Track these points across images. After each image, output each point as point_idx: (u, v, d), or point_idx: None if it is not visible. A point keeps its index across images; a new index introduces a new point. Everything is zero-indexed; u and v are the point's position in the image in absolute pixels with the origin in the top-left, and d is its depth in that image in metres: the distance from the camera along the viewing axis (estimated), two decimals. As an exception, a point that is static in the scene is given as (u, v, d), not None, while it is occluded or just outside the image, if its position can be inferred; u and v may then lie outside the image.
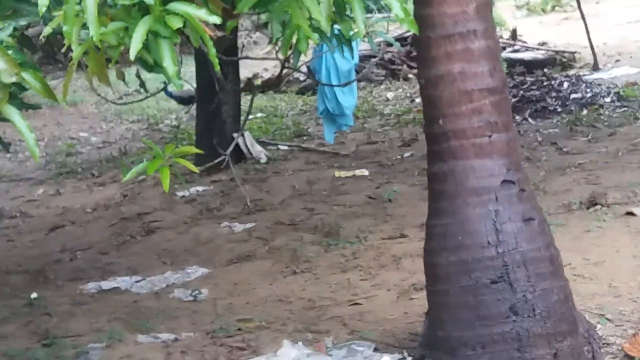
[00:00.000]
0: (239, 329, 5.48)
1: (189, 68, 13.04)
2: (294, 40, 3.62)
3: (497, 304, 4.17)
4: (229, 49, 9.44)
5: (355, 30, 3.59)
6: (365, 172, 9.26)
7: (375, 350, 4.84)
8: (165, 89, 12.31)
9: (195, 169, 3.60)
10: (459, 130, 4.24)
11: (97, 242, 8.05)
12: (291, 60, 5.26)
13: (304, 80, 14.83)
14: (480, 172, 4.23)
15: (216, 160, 5.56)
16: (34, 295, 6.55)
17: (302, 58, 4.81)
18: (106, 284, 6.76)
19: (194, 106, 11.08)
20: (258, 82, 15.84)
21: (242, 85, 12.15)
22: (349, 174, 9.25)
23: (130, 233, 8.11)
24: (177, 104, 13.64)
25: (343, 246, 6.94)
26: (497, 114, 4.26)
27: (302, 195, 8.66)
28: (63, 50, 3.11)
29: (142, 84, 4.84)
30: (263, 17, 6.20)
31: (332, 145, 10.48)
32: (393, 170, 9.31)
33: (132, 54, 2.89)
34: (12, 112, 2.90)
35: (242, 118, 10.62)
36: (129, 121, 14.33)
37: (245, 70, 15.16)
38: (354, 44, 4.40)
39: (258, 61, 16.79)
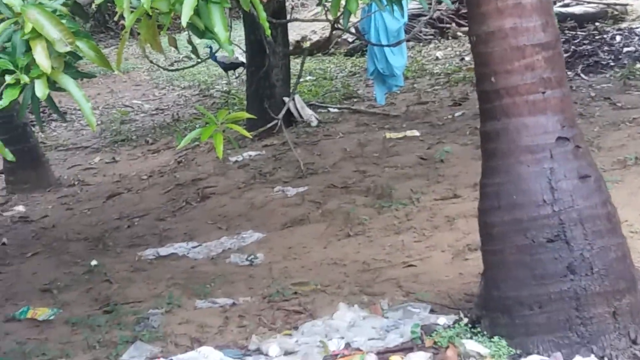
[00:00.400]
0: (295, 293, 5.50)
1: (238, 32, 13.06)
2: (343, 0, 3.57)
3: (554, 262, 4.11)
4: (278, 11, 9.40)
5: (405, -11, 3.52)
6: (416, 133, 9.18)
7: (431, 311, 4.82)
8: (211, 54, 12.41)
9: (248, 134, 3.58)
10: (512, 87, 4.15)
11: (153, 208, 8.13)
12: (341, 21, 5.20)
13: (353, 42, 14.73)
14: (534, 129, 4.15)
15: (268, 125, 5.54)
16: (93, 262, 6.65)
17: (351, 19, 4.74)
18: (164, 250, 6.83)
19: (244, 71, 11.07)
20: (307, 44, 15.77)
21: (290, 48, 12.12)
22: (400, 135, 9.18)
23: (186, 199, 8.17)
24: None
25: (396, 208, 6.91)
26: (550, 70, 4.16)
27: (354, 157, 8.63)
28: (115, 18, 3.10)
29: (194, 50, 4.81)
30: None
31: (382, 106, 10.39)
32: (444, 130, 9.21)
33: (184, 20, 2.86)
34: (68, 82, 2.90)
35: (292, 81, 10.61)
36: (181, 87, 14.40)
37: (294, 33, 15.08)
38: (403, 2, 4.31)
39: (306, 24, 16.68)
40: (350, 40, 14.60)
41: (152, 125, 11.82)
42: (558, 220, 4.10)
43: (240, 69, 13.34)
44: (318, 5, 7.96)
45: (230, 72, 13.80)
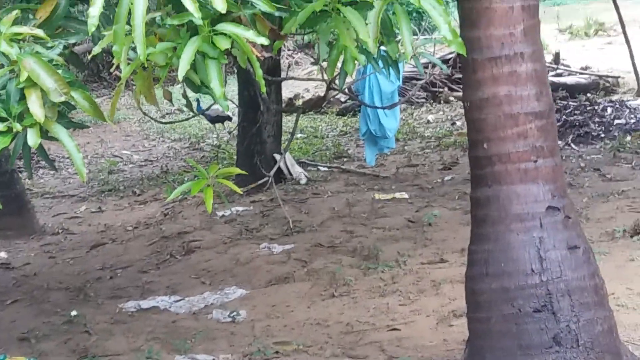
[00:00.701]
0: (277, 352, 5.45)
1: (230, 87, 13.15)
2: (339, 61, 3.61)
3: (540, 333, 4.09)
4: (272, 69, 9.48)
5: (402, 51, 3.55)
6: (405, 195, 9.20)
7: (415, 377, 4.78)
8: (198, 107, 12.54)
9: (239, 190, 3.58)
10: (504, 155, 4.19)
11: (137, 260, 8.08)
12: (336, 81, 5.25)
13: (345, 102, 14.84)
14: (524, 197, 4.17)
15: (259, 182, 5.54)
16: (73, 312, 6.58)
17: (347, 79, 4.78)
18: (145, 303, 6.77)
19: (236, 126, 11.13)
20: (299, 102, 15.89)
21: (283, 105, 12.20)
22: (389, 196, 9.20)
23: (170, 252, 8.13)
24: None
25: (382, 270, 6.89)
26: (543, 139, 4.20)
27: (342, 217, 8.63)
28: (112, 69, 3.12)
29: (188, 104, 4.85)
30: (307, 37, 6.18)
31: (372, 167, 10.44)
32: (433, 193, 9.24)
33: (180, 75, 2.89)
34: (61, 131, 2.92)
35: (283, 138, 10.66)
36: (171, 140, 14.43)
37: (287, 91, 15.21)
38: (400, 65, 4.36)
39: (299, 81, 16.83)
40: (342, 99, 14.71)
41: (140, 177, 11.80)
42: (545, 291, 4.11)
43: (227, 123, 13.44)
44: (314, 64, 8.04)
45: (220, 126, 13.86)
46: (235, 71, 11.99)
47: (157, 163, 12.81)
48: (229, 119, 13.43)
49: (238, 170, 3.60)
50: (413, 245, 7.46)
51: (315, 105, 13.20)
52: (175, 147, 13.88)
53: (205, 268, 7.59)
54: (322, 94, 16.19)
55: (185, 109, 16.95)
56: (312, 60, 19.87)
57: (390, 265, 6.95)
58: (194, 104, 12.30)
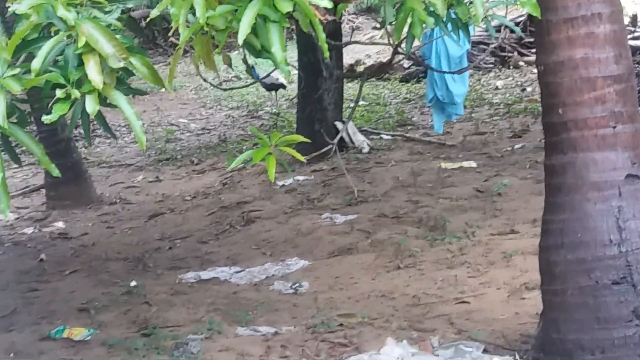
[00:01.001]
0: (341, 325, 5.45)
1: (289, 54, 13.13)
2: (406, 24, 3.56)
3: (618, 306, 4.02)
4: (333, 33, 9.42)
5: (473, 13, 3.48)
6: (473, 164, 9.12)
7: (485, 351, 4.74)
8: (252, 72, 12.55)
9: (303, 159, 3.57)
10: (580, 120, 4.10)
11: (196, 230, 8.16)
12: (402, 46, 5.18)
13: (409, 67, 14.72)
14: (602, 165, 4.08)
15: (323, 150, 5.52)
16: (133, 283, 6.68)
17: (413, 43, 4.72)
18: (205, 274, 6.84)
19: (294, 93, 11.17)
20: (360, 68, 15.82)
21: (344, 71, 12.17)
22: (456, 165, 9.13)
23: (230, 222, 8.19)
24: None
25: (449, 241, 6.84)
26: (622, 104, 4.10)
27: (406, 187, 8.60)
28: (170, 33, 3.12)
29: (249, 70, 4.84)
30: (369, 0, 6.12)
31: (438, 135, 10.36)
32: (502, 162, 9.14)
33: (240, 39, 2.87)
34: (120, 98, 2.93)
35: (344, 106, 10.63)
36: (229, 108, 14.51)
37: (347, 57, 15.13)
38: (470, 28, 4.29)
39: (360, 47, 16.75)
40: (406, 65, 14.61)
41: (198, 145, 11.91)
42: (625, 262, 4.03)
43: (287, 89, 13.50)
44: (376, 29, 7.98)
45: (279, 93, 13.91)
46: (295, 37, 11.96)
47: (214, 132, 12.91)
48: (283, 87, 13.47)
49: (301, 138, 3.57)
50: (482, 216, 7.39)
51: (379, 71, 13.14)
52: (233, 115, 13.96)
53: (265, 239, 7.63)
54: (384, 60, 16.13)
55: (243, 75, 17.11)
56: (374, 24, 19.75)
57: (458, 236, 6.90)
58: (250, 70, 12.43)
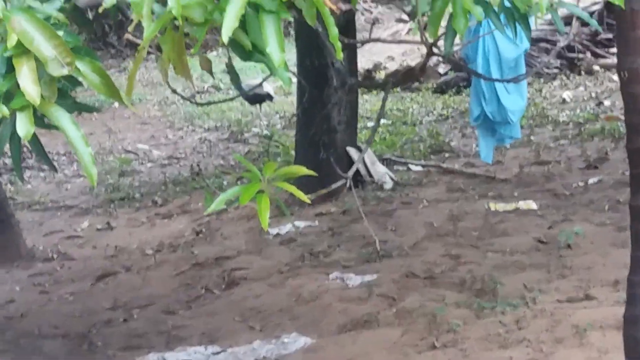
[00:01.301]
0: None
1: (287, 55, 13.20)
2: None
3: None
4: (345, 28, 9.46)
5: (535, 1, 3.49)
6: (533, 205, 9.11)
7: None
8: (233, 80, 12.68)
9: (307, 199, 3.56)
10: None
11: (160, 296, 8.13)
12: (439, 45, 5.18)
13: (445, 73, 14.80)
14: None
15: (333, 186, 5.51)
16: (75, 368, 6.65)
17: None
18: (172, 356, 6.80)
19: (293, 107, 11.21)
20: (381, 74, 15.89)
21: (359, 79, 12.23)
22: (510, 207, 9.12)
23: (206, 285, 8.17)
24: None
25: (502, 310, 6.81)
26: None
27: (443, 235, 8.58)
28: (130, 28, 3.12)
29: (234, 77, 4.84)
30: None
31: (486, 165, 10.35)
32: (572, 202, 9.14)
33: (225, 35, 2.86)
34: (62, 117, 2.92)
35: (359, 125, 10.65)
36: (204, 129, 14.54)
37: (363, 59, 15.22)
38: (530, 21, 4.29)
39: (380, 47, 16.85)
40: (441, 71, 14.67)
41: (163, 180, 11.90)
42: None
43: (283, 104, 13.62)
44: (401, 21, 7.99)
45: (271, 109, 13.99)
46: (292, 33, 12.02)
47: (185, 161, 12.91)
48: (270, 98, 13.58)
49: (304, 170, 3.57)
50: (546, 276, 7.37)
51: (407, 78, 13.16)
52: (210, 139, 13.98)
53: (254, 307, 7.60)
54: (413, 63, 16.20)
55: (223, 85, 17.19)
56: (398, 15, 19.85)
57: (513, 303, 6.87)
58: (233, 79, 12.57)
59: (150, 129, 14.93)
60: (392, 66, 16.85)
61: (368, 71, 15.78)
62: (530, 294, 7.01)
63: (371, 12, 21.10)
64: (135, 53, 3.18)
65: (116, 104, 16.37)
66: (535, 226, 8.54)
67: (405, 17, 21.96)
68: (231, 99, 11.26)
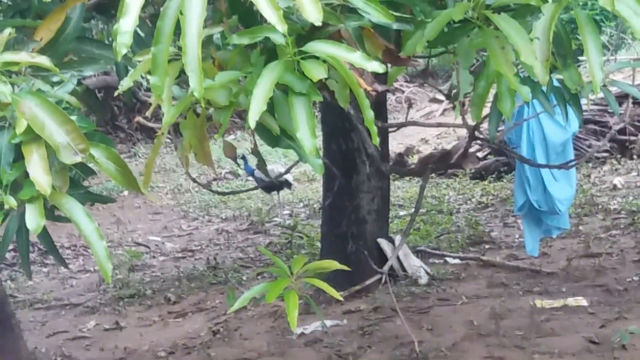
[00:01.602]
0: None
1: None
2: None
3: None
4: (376, 110, 9.51)
5: (588, 79, 3.50)
6: (583, 302, 9.04)
7: None
8: (246, 166, 12.87)
9: (339, 296, 3.56)
10: None
11: (174, 404, 8.10)
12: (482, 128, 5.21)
13: (484, 158, 14.80)
14: None
15: (368, 282, 5.52)
16: None
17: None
18: None
19: (318, 195, 11.21)
20: (413, 159, 15.92)
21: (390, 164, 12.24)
22: (557, 303, 9.05)
23: (225, 391, 8.12)
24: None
25: (552, 419, 6.75)
26: None
27: (485, 336, 8.51)
28: (148, 112, 3.15)
29: (261, 163, 4.85)
30: (434, 61, 6.16)
31: (531, 258, 10.30)
32: (626, 298, 9.06)
33: (252, 119, 2.86)
34: (75, 208, 2.93)
35: (392, 214, 10.63)
36: (221, 218, 14.56)
37: (394, 143, 15.26)
38: (582, 102, 4.30)
39: (412, 129, 16.91)
40: (480, 155, 14.70)
41: (177, 275, 11.89)
42: None
43: (306, 192, 13.69)
44: (434, 102, 8.01)
45: (300, 199, 14.02)
46: (318, 115, 12.10)
47: (200, 254, 12.91)
48: (288, 185, 13.61)
49: (337, 265, 3.57)
50: (599, 381, 7.30)
51: (449, 164, 13.17)
52: (228, 230, 13.98)
53: (278, 416, 7.55)
54: (449, 147, 16.23)
55: (240, 171, 17.27)
56: (430, 96, 19.97)
57: (565, 411, 6.81)
58: (240, 162, 12.75)
59: (162, 219, 14.97)
60: (426, 149, 16.90)
61: (400, 155, 15.81)
62: (583, 400, 6.96)
63: (403, 92, 21.21)
64: (155, 137, 3.20)
65: (125, 192, 16.48)
66: (586, 325, 8.47)
67: (439, 96, 22.08)
68: (255, 188, 11.30)
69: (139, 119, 18.73)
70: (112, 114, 19.63)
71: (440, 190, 14.46)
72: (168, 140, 19.20)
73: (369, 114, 3.17)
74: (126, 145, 19.52)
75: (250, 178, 14.69)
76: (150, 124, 20.23)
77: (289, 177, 13.64)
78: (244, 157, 12.83)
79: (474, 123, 4.85)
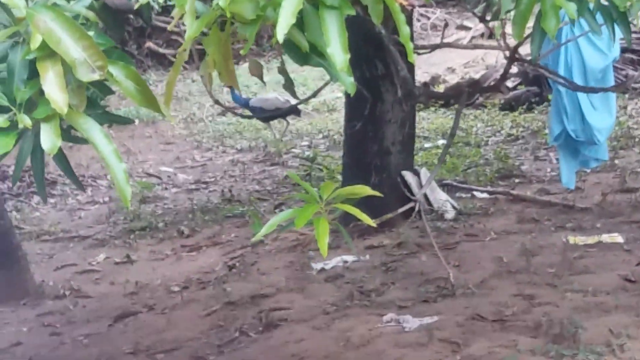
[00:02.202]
0: None
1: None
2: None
3: None
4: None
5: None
6: (619, 238, 9.05)
7: None
8: (233, 95, 12.83)
9: (371, 222, 3.57)
10: None
11: (187, 339, 8.13)
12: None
13: (514, 88, 14.75)
14: None
15: (401, 209, 5.51)
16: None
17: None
18: (202, 407, 6.81)
19: (338, 125, 11.19)
20: (439, 88, 15.88)
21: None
22: (591, 240, 9.05)
23: (240, 327, 8.15)
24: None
25: (584, 358, 6.76)
26: None
27: (514, 273, 8.53)
28: (169, 27, 3.15)
29: (289, 84, 4.82)
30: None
31: (564, 192, 10.30)
32: (664, 235, 9.08)
33: (280, 34, 2.85)
34: (92, 128, 2.93)
35: (417, 146, 10.62)
36: (236, 149, 14.59)
37: (418, 72, 15.22)
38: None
39: (438, 57, 16.82)
40: (510, 85, 14.64)
41: (190, 207, 11.93)
42: None
43: (316, 123, 13.71)
44: (462, 29, 7.94)
45: (320, 129, 14.00)
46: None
47: (214, 186, 12.94)
48: (297, 113, 13.61)
49: (369, 190, 3.58)
50: (634, 320, 7.30)
51: (487, 87, 13.10)
52: (243, 161, 14.00)
53: (295, 353, 7.58)
54: (477, 75, 16.18)
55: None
56: (458, 23, 19.86)
57: (597, 351, 6.82)
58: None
59: (174, 149, 14.99)
60: (453, 79, 16.84)
61: (425, 84, 15.78)
62: (617, 340, 6.94)
63: (428, 18, 21.11)
64: (176, 57, 3.20)
65: (136, 121, 16.47)
66: (622, 262, 8.48)
67: (467, 23, 21.96)
68: (283, 114, 11.20)
69: (149, 44, 18.70)
70: (121, 39, 19.57)
71: (467, 122, 14.42)
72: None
73: (405, 30, 3.15)
74: (138, 70, 19.54)
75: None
76: (162, 50, 20.22)
77: (292, 101, 13.57)
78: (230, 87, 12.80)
79: (514, 44, 4.82)
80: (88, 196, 12.93)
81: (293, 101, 13.08)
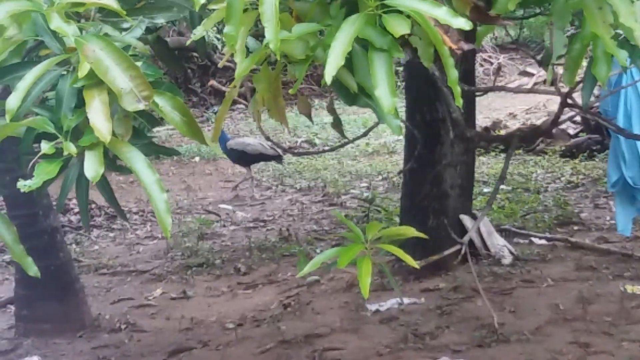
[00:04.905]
0: None
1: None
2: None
3: None
4: (463, 78, 9.43)
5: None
6: (680, 292, 8.95)
7: None
8: (222, 137, 12.86)
9: (415, 264, 3.51)
10: None
11: (242, 376, 8.12)
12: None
13: (576, 135, 14.64)
14: None
15: (447, 252, 5.44)
16: None
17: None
18: None
19: (397, 168, 11.14)
20: (500, 132, 15.82)
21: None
22: (651, 289, 8.97)
23: (294, 366, 8.13)
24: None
25: (639, 409, 6.68)
26: None
27: (571, 320, 8.45)
28: (219, 64, 3.12)
29: (337, 124, 4.77)
30: (525, 32, 6.06)
31: (622, 241, 10.19)
32: None
33: (329, 75, 2.83)
34: (136, 158, 2.90)
35: (475, 190, 10.55)
36: (295, 189, 14.59)
37: (480, 116, 15.18)
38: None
39: (499, 103, 16.80)
40: (572, 133, 14.57)
41: (247, 245, 11.92)
42: None
43: (376, 165, 13.68)
44: (523, 74, 7.91)
45: (379, 171, 13.96)
46: (400, 84, 12.04)
47: (272, 225, 12.94)
48: (278, 159, 13.66)
49: (413, 232, 3.53)
50: (691, 371, 7.20)
51: (538, 133, 13.01)
52: (302, 201, 14.00)
53: (351, 395, 7.56)
54: (538, 122, 16.10)
55: (317, 140, 17.30)
56: (520, 68, 19.81)
57: (651, 401, 6.73)
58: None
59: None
60: (514, 125, 16.76)
61: (486, 129, 15.70)
62: (672, 391, 6.87)
63: (491, 63, 21.09)
64: (226, 93, 3.17)
65: (196, 159, 16.55)
66: (682, 312, 8.39)
67: (530, 69, 21.93)
68: (340, 146, 11.08)
69: (213, 82, 18.81)
70: (185, 77, 19.71)
71: (527, 168, 14.35)
72: (242, 106, 19.28)
73: (453, 74, 3.11)
74: (199, 109, 19.61)
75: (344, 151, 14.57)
76: (224, 88, 20.32)
77: (272, 150, 13.60)
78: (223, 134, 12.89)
79: (567, 90, 4.76)
80: (147, 231, 12.96)
81: (279, 150, 13.20)
